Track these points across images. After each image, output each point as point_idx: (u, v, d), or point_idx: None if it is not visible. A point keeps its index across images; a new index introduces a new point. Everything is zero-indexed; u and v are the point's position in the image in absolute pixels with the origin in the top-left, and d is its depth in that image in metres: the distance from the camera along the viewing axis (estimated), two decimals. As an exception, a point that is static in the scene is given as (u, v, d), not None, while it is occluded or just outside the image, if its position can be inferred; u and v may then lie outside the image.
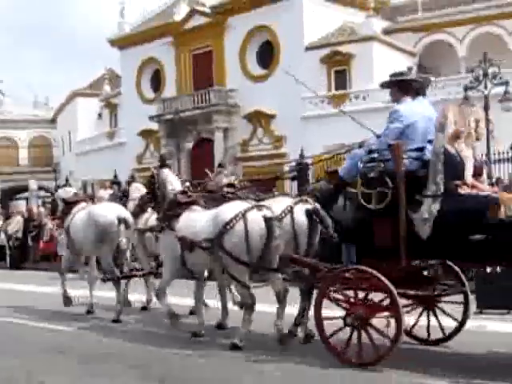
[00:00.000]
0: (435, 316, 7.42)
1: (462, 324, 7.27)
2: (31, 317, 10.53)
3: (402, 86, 7.32)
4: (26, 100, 61.96)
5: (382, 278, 6.28)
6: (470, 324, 7.43)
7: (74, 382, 6.26)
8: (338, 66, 33.85)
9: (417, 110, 6.94)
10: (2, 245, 24.17)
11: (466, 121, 6.74)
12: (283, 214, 7.65)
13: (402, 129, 6.82)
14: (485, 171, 7.24)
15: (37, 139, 57.94)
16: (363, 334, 6.42)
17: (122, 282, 10.54)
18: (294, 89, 32.69)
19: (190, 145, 37.53)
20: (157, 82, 41.81)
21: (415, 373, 6.13)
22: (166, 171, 8.89)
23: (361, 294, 6.69)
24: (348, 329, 6.53)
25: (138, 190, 10.56)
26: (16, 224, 22.50)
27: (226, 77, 37.30)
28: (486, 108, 20.09)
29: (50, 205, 12.68)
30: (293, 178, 13.14)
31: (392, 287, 6.24)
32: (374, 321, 6.45)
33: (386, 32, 35.81)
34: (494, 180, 18.05)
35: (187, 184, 9.34)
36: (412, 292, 6.91)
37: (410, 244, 6.41)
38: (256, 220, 7.42)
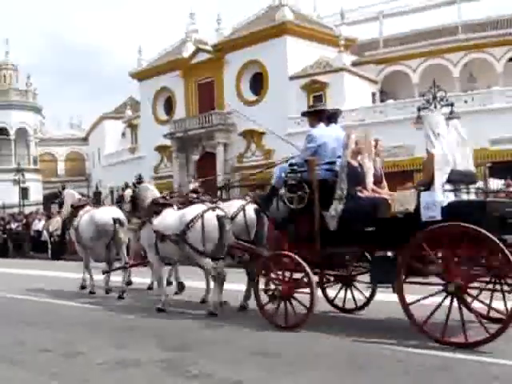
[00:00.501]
0: (351, 291, 8.03)
1: (371, 297, 7.90)
2: (67, 297, 10.54)
3: (316, 115, 7.73)
4: (63, 123, 62.11)
5: (300, 261, 6.89)
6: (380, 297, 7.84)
7: (107, 350, 6.23)
8: (316, 92, 33.85)
9: (327, 133, 7.45)
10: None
11: (366, 141, 7.30)
12: (238, 212, 8.53)
13: (315, 147, 7.32)
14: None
15: (72, 154, 57.92)
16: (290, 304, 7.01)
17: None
18: (280, 111, 33.00)
19: (196, 157, 37.49)
20: (169, 106, 41.76)
21: (333, 335, 6.25)
22: (144, 185, 9.74)
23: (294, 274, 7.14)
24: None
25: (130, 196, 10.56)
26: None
27: (225, 102, 37.30)
28: (436, 125, 20.12)
29: (58, 204, 13.04)
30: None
31: (307, 268, 6.84)
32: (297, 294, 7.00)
33: (354, 64, 35.84)
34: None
35: (165, 192, 10.45)
36: (332, 272, 7.89)
37: (323, 235, 6.94)
38: (211, 219, 8.06)
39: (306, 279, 6.87)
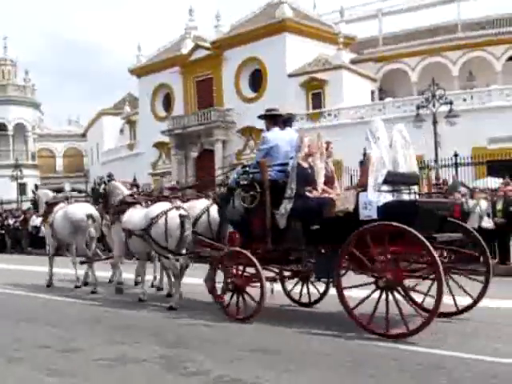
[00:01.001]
0: (307, 286, 8.38)
1: (325, 292, 8.19)
2: (66, 293, 10.54)
3: (271, 119, 8.11)
4: (61, 118, 62.05)
5: (251, 257, 7.22)
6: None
7: (106, 347, 6.22)
8: (314, 90, 33.87)
9: (280, 136, 7.79)
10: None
11: (318, 144, 7.63)
12: (203, 211, 9.02)
13: (267, 149, 7.68)
14: (432, 173, 7.54)
15: (70, 150, 57.84)
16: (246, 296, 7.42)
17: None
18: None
19: (195, 154, 37.49)
20: (167, 103, 41.75)
21: (332, 333, 6.25)
22: (114, 183, 10.27)
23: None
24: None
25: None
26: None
27: (224, 99, 37.29)
28: (435, 123, 20.16)
29: (32, 203, 14.19)
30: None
31: (257, 264, 7.14)
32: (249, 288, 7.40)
33: (353, 62, 35.87)
34: (440, 181, 18.17)
35: (134, 190, 10.89)
36: (287, 267, 8.12)
37: (273, 233, 7.28)
38: (174, 217, 8.50)
39: (255, 274, 7.24)
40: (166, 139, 39.03)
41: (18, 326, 7.72)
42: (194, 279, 9.75)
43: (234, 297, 7.52)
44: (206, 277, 8.94)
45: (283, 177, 7.43)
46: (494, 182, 18.08)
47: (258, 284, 7.18)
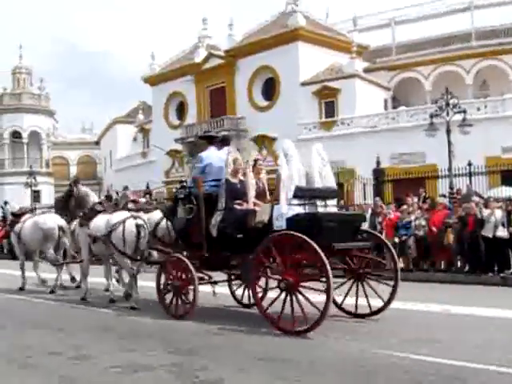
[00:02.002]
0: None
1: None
2: (75, 300, 10.55)
3: (208, 139, 9.30)
4: (75, 127, 62.44)
5: (187, 262, 8.22)
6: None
7: (116, 354, 6.21)
8: (327, 98, 33.82)
9: (214, 155, 8.82)
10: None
11: (244, 161, 8.59)
12: (161, 219, 9.89)
13: (203, 167, 8.68)
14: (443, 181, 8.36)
15: (84, 158, 58.14)
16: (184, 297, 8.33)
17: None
18: (291, 117, 32.98)
19: (207, 162, 37.54)
20: (181, 111, 41.89)
21: (342, 342, 6.15)
22: (85, 190, 11.20)
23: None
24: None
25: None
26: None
27: (237, 107, 37.34)
28: (448, 132, 20.04)
29: (1, 217, 15.45)
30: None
31: (192, 268, 8.13)
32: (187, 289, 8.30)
33: (366, 71, 35.80)
34: (454, 190, 18.06)
35: (102, 198, 12.37)
36: (229, 272, 9.03)
37: (208, 241, 8.22)
38: (130, 225, 9.52)
39: (190, 277, 8.18)
40: (179, 147, 39.14)
41: (28, 332, 7.74)
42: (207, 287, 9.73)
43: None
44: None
45: (216, 191, 8.35)
46: (509, 191, 17.95)
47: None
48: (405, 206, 15.39)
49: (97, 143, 57.35)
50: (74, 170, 56.85)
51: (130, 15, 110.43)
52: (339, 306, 8.22)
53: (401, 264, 15.07)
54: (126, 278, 10.52)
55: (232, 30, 38.44)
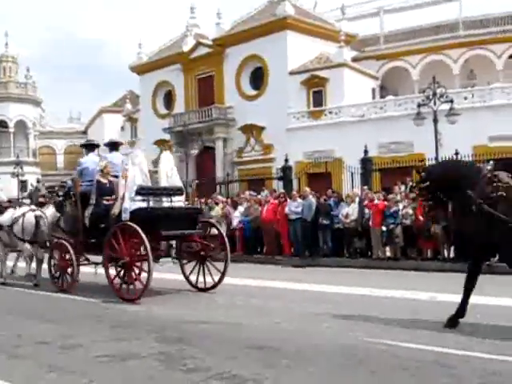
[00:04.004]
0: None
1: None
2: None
3: (87, 147, 11.66)
4: (62, 115, 61.97)
5: (67, 246, 10.28)
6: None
7: (106, 343, 6.23)
8: (316, 88, 33.78)
9: (90, 160, 10.88)
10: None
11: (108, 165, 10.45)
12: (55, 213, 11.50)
13: (81, 170, 10.75)
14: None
15: (71, 147, 57.65)
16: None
17: None
18: (280, 106, 32.95)
19: (195, 151, 37.34)
20: (169, 100, 41.71)
21: (331, 330, 6.12)
22: None
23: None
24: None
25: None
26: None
27: (225, 96, 37.23)
28: (435, 121, 20.11)
29: None
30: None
31: (71, 250, 10.12)
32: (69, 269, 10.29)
33: (355, 60, 35.80)
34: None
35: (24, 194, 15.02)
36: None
37: (84, 229, 10.26)
38: (30, 217, 11.53)
39: (70, 258, 10.22)
40: (167, 137, 39.00)
41: (17, 322, 7.74)
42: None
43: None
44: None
45: (89, 190, 10.25)
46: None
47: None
48: (392, 195, 15.48)
49: (84, 133, 57.02)
50: (61, 160, 56.57)
51: (120, 4, 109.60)
52: (190, 283, 10.45)
53: (388, 253, 15.24)
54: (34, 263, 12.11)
55: (220, 19, 38.24)
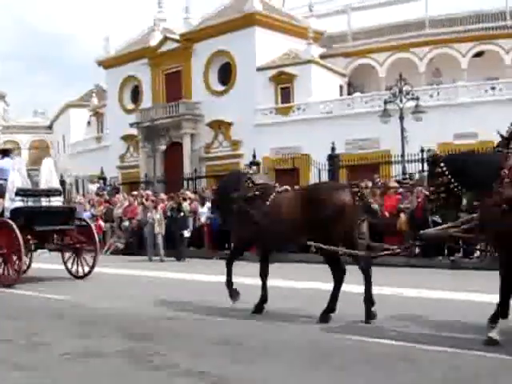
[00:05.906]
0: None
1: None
2: (29, 288, 10.40)
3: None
4: (27, 110, 60.96)
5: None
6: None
7: (70, 341, 6.16)
8: (283, 84, 33.92)
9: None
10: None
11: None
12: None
13: None
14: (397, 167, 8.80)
15: (36, 142, 56.88)
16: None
17: None
18: (248, 102, 32.96)
19: (163, 147, 37.16)
20: (136, 95, 41.38)
21: (297, 324, 6.19)
22: None
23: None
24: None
25: None
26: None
27: (193, 92, 37.11)
28: (401, 118, 20.38)
29: None
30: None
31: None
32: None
33: (322, 57, 36.01)
34: (407, 175, 18.39)
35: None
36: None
37: None
38: None
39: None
40: (134, 132, 38.71)
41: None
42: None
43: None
44: None
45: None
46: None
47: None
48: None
49: (49, 127, 56.18)
50: (25, 155, 55.60)
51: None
52: (71, 272, 11.90)
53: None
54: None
55: (188, 14, 38.07)
